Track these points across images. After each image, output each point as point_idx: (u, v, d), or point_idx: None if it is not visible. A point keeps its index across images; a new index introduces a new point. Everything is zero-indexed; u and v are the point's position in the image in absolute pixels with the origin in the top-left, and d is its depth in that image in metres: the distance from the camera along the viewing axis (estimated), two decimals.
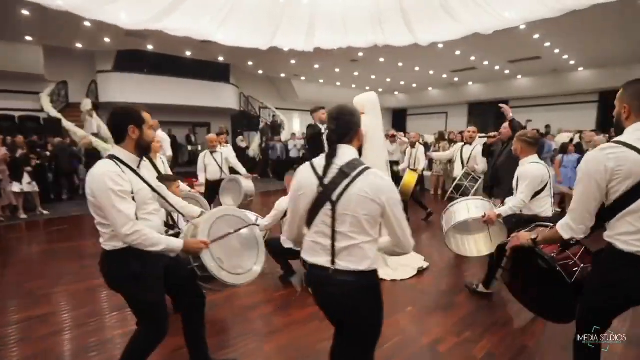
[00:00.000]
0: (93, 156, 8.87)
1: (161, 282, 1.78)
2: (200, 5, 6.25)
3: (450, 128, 17.40)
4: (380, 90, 18.92)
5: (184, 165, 13.27)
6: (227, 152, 5.53)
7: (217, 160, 5.27)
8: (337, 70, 13.69)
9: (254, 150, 13.40)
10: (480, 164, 4.62)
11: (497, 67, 13.24)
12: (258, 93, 15.73)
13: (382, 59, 12.00)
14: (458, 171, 4.90)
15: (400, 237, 1.45)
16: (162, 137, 5.73)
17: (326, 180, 1.41)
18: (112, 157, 1.65)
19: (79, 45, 10.50)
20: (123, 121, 1.69)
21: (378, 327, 1.48)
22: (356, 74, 14.41)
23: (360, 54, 11.20)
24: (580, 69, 13.27)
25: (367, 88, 18.14)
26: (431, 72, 14.25)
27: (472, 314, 2.96)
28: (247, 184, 5.12)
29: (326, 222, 1.41)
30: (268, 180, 12.33)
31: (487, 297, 3.22)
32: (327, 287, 1.44)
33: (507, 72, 13.99)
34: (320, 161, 1.48)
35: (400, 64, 12.78)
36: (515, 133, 3.88)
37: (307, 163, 1.52)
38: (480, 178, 4.39)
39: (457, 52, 11.08)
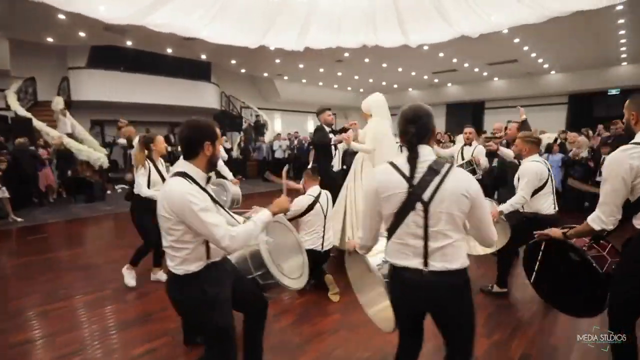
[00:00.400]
0: (65, 157, 8.31)
1: (230, 302, 1.66)
2: (190, 1, 5.98)
3: None
4: (361, 90, 19.06)
5: None
6: None
7: None
8: (321, 70, 13.63)
9: (235, 151, 13.08)
10: (483, 163, 4.67)
11: (476, 69, 13.66)
12: (239, 92, 15.39)
13: (367, 60, 12.05)
14: None
15: (487, 231, 1.47)
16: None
17: (415, 181, 1.39)
18: (183, 175, 1.51)
19: (50, 40, 9.81)
20: (200, 137, 1.54)
21: (474, 321, 1.50)
22: (339, 74, 14.41)
23: (346, 54, 11.19)
24: (552, 72, 13.94)
25: (349, 88, 18.24)
26: (413, 73, 14.49)
27: (495, 314, 2.97)
28: (235, 189, 4.69)
29: (417, 223, 1.39)
30: (253, 182, 12.08)
31: (503, 296, 3.25)
32: (421, 290, 1.42)
33: (485, 74, 14.48)
34: (401, 161, 1.44)
35: (384, 65, 12.89)
36: None
37: (387, 164, 1.48)
38: (479, 172, 4.40)
39: (441, 54, 11.31)
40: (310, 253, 3.26)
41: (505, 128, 5.24)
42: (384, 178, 1.45)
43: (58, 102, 9.65)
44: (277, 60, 12.03)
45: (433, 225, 1.37)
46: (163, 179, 3.62)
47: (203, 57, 12.35)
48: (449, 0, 6.05)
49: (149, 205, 3.29)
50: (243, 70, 14.47)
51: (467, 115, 17.97)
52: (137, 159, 3.42)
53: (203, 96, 13.35)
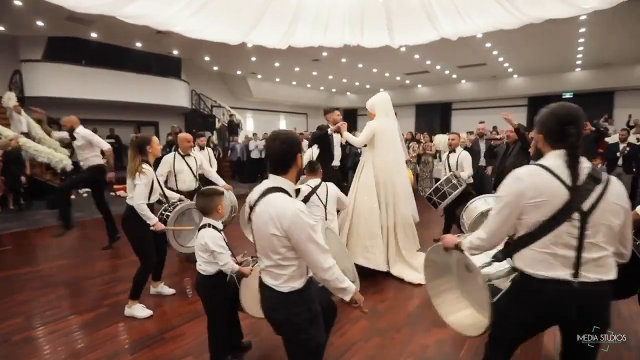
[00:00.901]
0: (15, 160, 7.45)
1: (322, 316, 1.57)
2: None
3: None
4: (333, 90, 19.13)
5: None
6: (199, 157, 4.52)
7: (191, 166, 4.25)
8: (297, 69, 13.44)
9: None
10: (467, 170, 4.68)
11: (447, 72, 14.14)
12: (210, 90, 14.81)
13: (344, 60, 12.04)
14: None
15: (629, 244, 1.44)
16: (83, 134, 4.72)
17: (576, 188, 1.32)
18: (282, 190, 1.43)
19: (1, 29, 8.80)
20: (293, 150, 1.47)
21: None
22: (315, 73, 14.30)
23: (324, 54, 11.09)
24: (515, 75, 14.78)
25: (322, 88, 18.21)
26: (387, 74, 14.72)
27: None
28: (232, 196, 4.35)
29: (571, 233, 1.31)
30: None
31: None
32: (568, 302, 1.34)
33: (454, 76, 15.04)
34: (555, 164, 1.35)
35: (360, 65, 12.96)
36: (522, 138, 4.10)
37: (538, 167, 1.38)
38: (461, 185, 4.40)
39: (416, 56, 11.55)
40: None
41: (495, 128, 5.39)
42: (537, 182, 1.34)
43: (10, 98, 8.68)
44: (253, 58, 11.70)
45: (590, 237, 1.30)
46: (160, 186, 3.31)
47: (175, 52, 11.72)
48: (437, 3, 6.17)
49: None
50: (216, 68, 13.90)
51: (435, 115, 18.60)
52: (131, 165, 2.91)
53: (172, 94, 12.66)
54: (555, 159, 1.37)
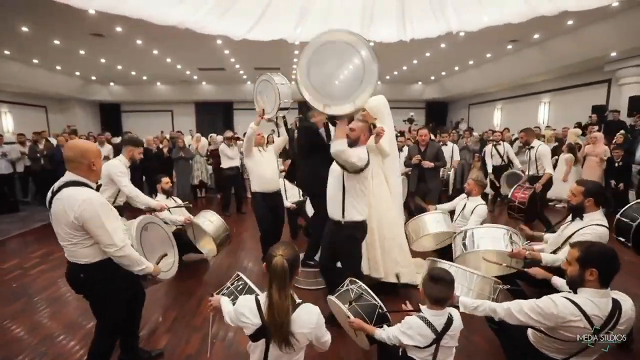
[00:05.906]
0: None
1: None
2: None
3: (177, 127, 16.73)
4: (93, 78, 14.92)
5: None
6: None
7: None
8: (56, 42, 9.29)
9: None
10: None
11: (241, 72, 14.24)
12: None
13: (139, 41, 9.62)
14: None
15: None
16: None
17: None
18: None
19: None
20: None
21: None
22: (82, 52, 10.45)
23: (119, 29, 8.47)
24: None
25: (78, 73, 13.76)
26: (179, 67, 12.97)
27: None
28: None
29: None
30: None
31: None
32: None
33: (245, 77, 15.35)
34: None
35: (155, 52, 10.78)
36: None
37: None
38: None
39: (226, 52, 10.93)
40: None
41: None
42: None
43: None
44: (24, 29, 7.17)
45: None
46: None
47: None
48: None
49: None
50: None
51: (218, 114, 18.32)
52: None
53: None
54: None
